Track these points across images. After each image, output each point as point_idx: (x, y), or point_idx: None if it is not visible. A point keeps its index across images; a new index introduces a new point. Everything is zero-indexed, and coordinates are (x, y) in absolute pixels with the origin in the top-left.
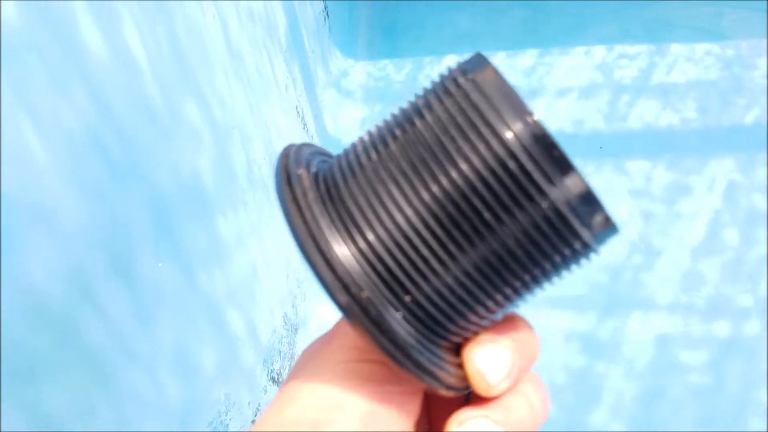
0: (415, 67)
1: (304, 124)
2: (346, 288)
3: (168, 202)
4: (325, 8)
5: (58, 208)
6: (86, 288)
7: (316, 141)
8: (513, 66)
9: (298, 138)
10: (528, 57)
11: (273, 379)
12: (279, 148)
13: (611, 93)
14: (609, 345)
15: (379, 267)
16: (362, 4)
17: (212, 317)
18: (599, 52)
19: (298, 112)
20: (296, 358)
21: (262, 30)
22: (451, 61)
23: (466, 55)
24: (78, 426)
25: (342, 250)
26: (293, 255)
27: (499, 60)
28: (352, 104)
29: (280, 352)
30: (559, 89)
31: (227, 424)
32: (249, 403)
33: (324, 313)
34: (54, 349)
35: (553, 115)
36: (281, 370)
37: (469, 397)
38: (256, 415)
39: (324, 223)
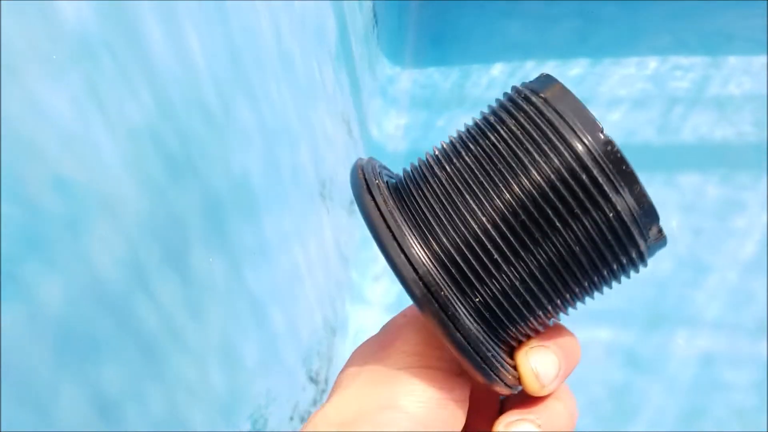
0: (462, 75)
1: (350, 130)
2: (426, 286)
3: (219, 200)
4: (375, 15)
5: (121, 199)
6: (143, 277)
7: (360, 146)
8: (563, 75)
9: (342, 143)
10: (579, 66)
11: (311, 378)
12: (324, 153)
13: (664, 104)
14: (651, 360)
15: (454, 269)
16: (412, 10)
17: (256, 313)
18: (652, 63)
19: (343, 118)
20: (333, 360)
21: (313, 36)
22: (499, 70)
23: (515, 64)
24: (132, 407)
25: (421, 253)
26: (333, 258)
27: (549, 69)
28: (396, 111)
29: (319, 353)
30: (610, 99)
31: (266, 419)
32: (288, 400)
33: (362, 319)
34: (114, 332)
35: (605, 124)
36: (319, 371)
37: (505, 403)
38: (293, 412)
39: (405, 229)
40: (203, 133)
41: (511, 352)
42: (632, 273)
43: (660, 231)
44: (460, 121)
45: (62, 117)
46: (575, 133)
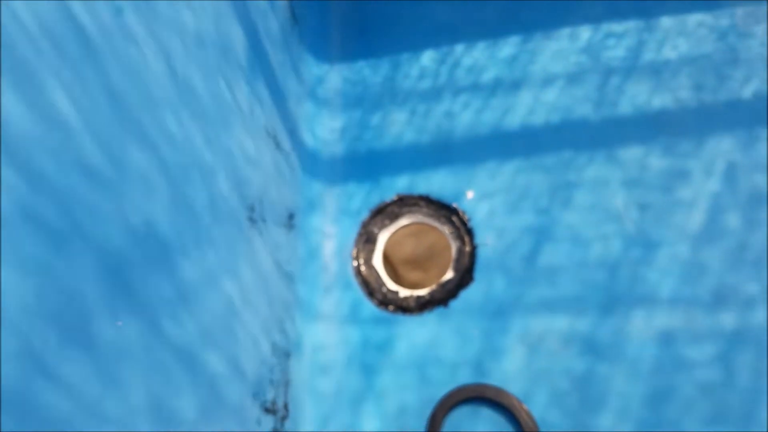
0: (392, 66)
1: (278, 144)
2: None
3: (120, 258)
4: (293, 13)
5: (1, 293)
6: (41, 364)
7: (293, 158)
8: (494, 57)
9: (271, 160)
10: (510, 45)
11: (266, 410)
12: (249, 176)
13: (600, 77)
14: (610, 346)
15: None
16: (334, 1)
17: (186, 364)
18: (585, 33)
19: (268, 133)
20: (292, 382)
21: (215, 53)
22: (429, 57)
23: (445, 49)
24: None
25: None
26: (275, 280)
27: (479, 51)
28: (329, 113)
29: (272, 381)
30: (544, 77)
31: None
32: None
33: (318, 333)
34: (20, 429)
35: (541, 105)
36: (275, 399)
37: None
38: None
39: None
40: (88, 194)
41: None
42: None
43: None
44: (395, 119)
45: None
46: None
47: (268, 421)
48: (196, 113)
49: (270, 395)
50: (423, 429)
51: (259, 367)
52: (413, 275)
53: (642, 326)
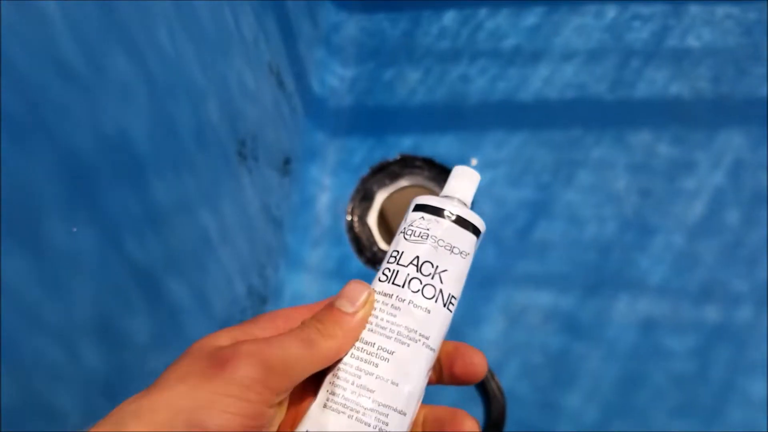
0: (412, 22)
1: (280, 83)
2: None
3: (85, 164)
4: None
5: None
6: None
7: (296, 101)
8: (517, 25)
9: (271, 98)
10: (534, 14)
11: None
12: (243, 109)
13: (620, 57)
14: (590, 326)
15: None
16: None
17: (145, 286)
18: (611, 11)
19: (271, 69)
20: None
21: None
22: (451, 18)
23: (468, 12)
24: None
25: None
26: (260, 223)
27: (502, 18)
28: (341, 63)
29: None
30: (564, 52)
31: None
32: None
33: (300, 284)
34: None
35: (557, 79)
36: None
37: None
38: None
39: None
40: (59, 91)
41: None
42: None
43: None
44: (408, 76)
45: None
46: None
47: None
48: (193, 34)
49: None
50: None
51: (230, 307)
52: None
53: (625, 311)
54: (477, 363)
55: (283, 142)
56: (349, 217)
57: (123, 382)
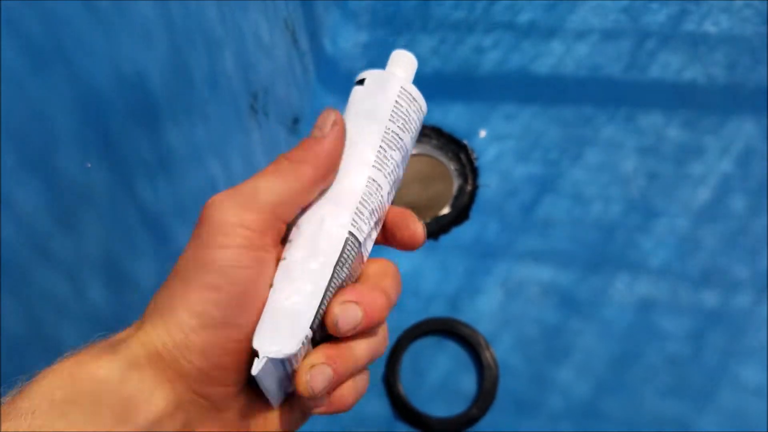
0: None
1: (295, 40)
2: None
3: (102, 100)
4: None
5: None
6: None
7: (309, 60)
8: (533, 0)
9: (285, 54)
10: None
11: None
12: (257, 62)
13: (635, 39)
14: (588, 304)
15: None
16: None
17: (153, 231)
18: None
19: (287, 26)
20: None
21: None
22: None
23: None
24: None
25: None
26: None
27: None
28: (355, 27)
29: None
30: (580, 30)
31: None
32: None
33: None
34: None
35: (571, 57)
36: None
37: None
38: None
39: None
40: (82, 23)
41: None
42: None
43: None
44: (422, 45)
45: None
46: None
47: None
48: None
49: None
50: (387, 353)
51: None
52: (409, 198)
53: (624, 290)
54: (417, 233)
55: (294, 101)
56: None
57: (125, 323)
